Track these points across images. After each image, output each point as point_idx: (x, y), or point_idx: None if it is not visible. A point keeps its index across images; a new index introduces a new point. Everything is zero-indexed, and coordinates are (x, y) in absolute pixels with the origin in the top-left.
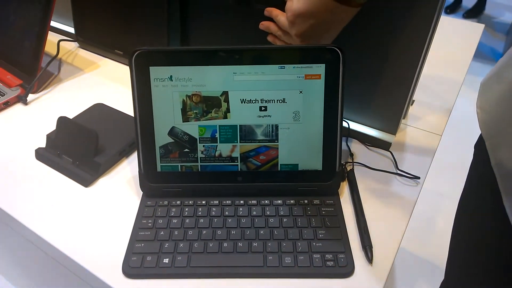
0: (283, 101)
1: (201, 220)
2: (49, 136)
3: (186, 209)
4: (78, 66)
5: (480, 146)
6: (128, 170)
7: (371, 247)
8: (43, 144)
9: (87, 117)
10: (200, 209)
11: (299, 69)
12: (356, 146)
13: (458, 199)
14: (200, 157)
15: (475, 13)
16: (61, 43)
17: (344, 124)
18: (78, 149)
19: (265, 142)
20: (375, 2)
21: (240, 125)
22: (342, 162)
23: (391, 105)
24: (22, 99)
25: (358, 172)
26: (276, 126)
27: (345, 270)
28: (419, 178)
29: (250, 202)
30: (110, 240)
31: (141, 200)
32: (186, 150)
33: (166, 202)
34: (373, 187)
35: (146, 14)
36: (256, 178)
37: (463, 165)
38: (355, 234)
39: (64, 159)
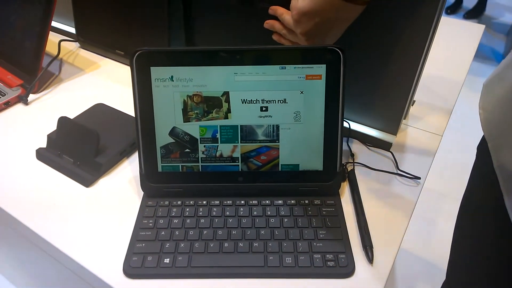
0: (284, 101)
1: (202, 220)
2: (50, 136)
3: (187, 209)
4: (79, 66)
5: (482, 148)
6: (129, 170)
7: (371, 247)
8: (44, 144)
9: (88, 117)
10: (201, 209)
11: (300, 69)
12: (356, 147)
13: (459, 199)
14: (201, 157)
15: (475, 14)
16: (62, 43)
17: (345, 124)
18: (79, 149)
19: (266, 143)
20: (376, 2)
21: (241, 126)
22: (342, 163)
23: (391, 105)
24: (22, 99)
25: (359, 172)
26: (277, 127)
27: (346, 270)
28: (419, 178)
29: (251, 202)
30: (111, 240)
31: (142, 200)
32: (187, 150)
33: (167, 202)
34: (373, 187)
35: (146, 14)
36: (257, 178)
37: (463, 165)
38: (356, 234)
39: (65, 159)
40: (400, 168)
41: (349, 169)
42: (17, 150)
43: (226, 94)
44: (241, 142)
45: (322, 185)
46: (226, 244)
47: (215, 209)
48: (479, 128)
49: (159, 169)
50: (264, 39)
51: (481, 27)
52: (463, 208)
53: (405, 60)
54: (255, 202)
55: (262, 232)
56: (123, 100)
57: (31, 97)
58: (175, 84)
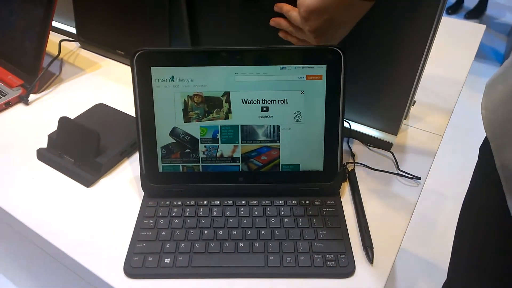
0: (285, 101)
1: (203, 220)
2: (50, 136)
3: (188, 209)
4: (79, 66)
5: (485, 149)
6: (129, 170)
7: (372, 247)
8: (44, 144)
9: (88, 118)
10: (201, 209)
11: (300, 69)
12: (357, 147)
13: (459, 200)
14: (202, 158)
15: (476, 14)
16: (62, 43)
17: (346, 124)
18: (80, 149)
19: (266, 143)
20: (377, 2)
21: (241, 126)
22: (343, 163)
23: (392, 105)
24: (23, 99)
25: (359, 173)
26: (278, 127)
27: (346, 270)
28: (420, 178)
29: (252, 202)
30: (112, 240)
31: (142, 200)
32: (188, 150)
33: (167, 202)
34: (374, 188)
35: (147, 14)
36: (257, 179)
37: (464, 165)
38: (356, 234)
39: (65, 159)
40: (400, 168)
41: (349, 169)
42: (17, 150)
43: (227, 94)
44: (241, 142)
45: (323, 185)
46: (226, 244)
47: (215, 209)
48: (480, 128)
49: (160, 169)
50: (270, 37)
51: (482, 27)
52: (465, 209)
53: (405, 60)
54: (255, 202)
55: (262, 232)
56: (124, 100)
57: (31, 97)
58: (176, 84)
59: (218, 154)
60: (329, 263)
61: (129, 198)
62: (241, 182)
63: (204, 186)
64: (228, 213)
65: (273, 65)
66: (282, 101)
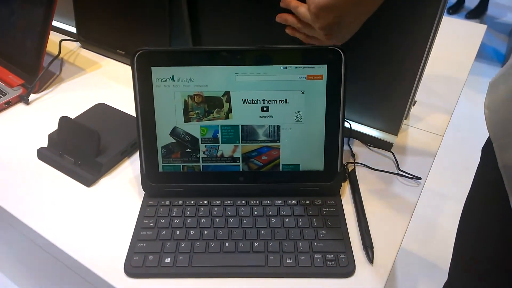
0: (285, 101)
1: (203, 220)
2: (51, 136)
3: (188, 209)
4: (80, 66)
5: (487, 149)
6: (130, 170)
7: (372, 247)
8: (45, 144)
9: (89, 117)
10: (201, 209)
11: (301, 69)
12: (357, 147)
13: (460, 200)
14: (202, 157)
15: (477, 14)
16: (62, 42)
17: (346, 124)
18: (80, 149)
19: (267, 143)
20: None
21: (242, 126)
22: (343, 163)
23: (393, 105)
24: (23, 98)
25: (360, 173)
26: (278, 127)
27: (346, 270)
28: (420, 178)
29: (252, 202)
30: (112, 239)
31: (143, 200)
32: (188, 150)
33: (168, 202)
34: (374, 188)
35: (147, 14)
36: (257, 179)
37: (464, 165)
38: (356, 234)
39: (66, 159)
40: (401, 168)
41: (350, 169)
42: (18, 149)
43: (227, 94)
44: (242, 142)
45: (323, 185)
46: (227, 244)
47: (216, 209)
48: (481, 128)
49: (160, 169)
50: (270, 37)
51: (483, 27)
52: (467, 209)
53: (406, 60)
54: (256, 202)
55: (262, 232)
56: (124, 100)
57: (32, 96)
58: (176, 84)
59: (219, 154)
60: (329, 263)
61: (130, 198)
62: (242, 182)
63: (204, 186)
64: (228, 213)
65: (273, 65)
66: (282, 101)
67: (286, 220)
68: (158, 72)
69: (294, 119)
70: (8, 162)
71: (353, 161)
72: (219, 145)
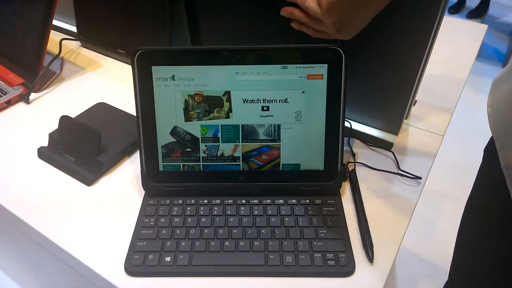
0: (285, 101)
1: (203, 219)
2: (51, 135)
3: (188, 208)
4: (80, 65)
5: (489, 149)
6: (130, 169)
7: (372, 246)
8: (45, 143)
9: (89, 116)
10: (202, 208)
11: (301, 69)
12: (358, 146)
13: (460, 200)
14: (202, 157)
15: (478, 14)
16: (63, 42)
17: (346, 124)
18: (81, 148)
19: (267, 142)
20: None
21: (242, 125)
22: (344, 162)
23: (393, 105)
24: (24, 98)
25: (360, 172)
26: (278, 126)
27: (346, 269)
28: (420, 178)
29: (252, 201)
30: (112, 238)
31: (143, 199)
32: (188, 149)
33: (168, 201)
34: (374, 187)
35: (147, 13)
36: (258, 178)
37: (465, 165)
38: (356, 234)
39: (66, 158)
40: (401, 168)
41: (350, 168)
42: (18, 149)
43: (228, 93)
44: (242, 142)
45: (323, 184)
46: (227, 243)
47: (216, 208)
48: (481, 128)
49: (160, 168)
50: (270, 37)
51: (484, 26)
52: (468, 209)
53: (407, 60)
54: (256, 201)
55: (262, 231)
56: (125, 99)
57: (32, 96)
58: (177, 83)
59: (219, 153)
60: (329, 262)
61: (130, 197)
62: (242, 181)
63: (204, 185)
64: (228, 212)
65: (274, 64)
66: (283, 101)
67: (286, 219)
68: (159, 72)
69: (295, 119)
70: (9, 161)
71: (353, 161)
72: (219, 145)
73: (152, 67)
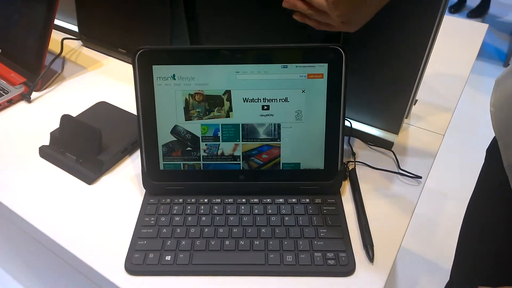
0: (286, 100)
1: (203, 218)
2: (52, 134)
3: (188, 207)
4: (81, 64)
5: (492, 150)
6: (131, 168)
7: (372, 246)
8: (47, 142)
9: (90, 115)
10: (202, 207)
11: (301, 68)
12: (358, 146)
13: (460, 199)
14: (203, 156)
15: (479, 13)
16: (64, 41)
17: (347, 123)
18: (82, 147)
19: (267, 141)
20: None
21: (242, 124)
22: (344, 161)
23: (393, 104)
24: (25, 97)
25: (360, 171)
26: (279, 125)
27: (346, 268)
28: (420, 177)
29: (252, 200)
30: (113, 237)
31: (143, 198)
32: (189, 148)
33: (168, 200)
34: (374, 186)
35: (149, 12)
36: (258, 177)
37: (465, 165)
38: (357, 233)
39: (67, 157)
40: (401, 167)
41: (350, 168)
42: (20, 147)
43: (228, 92)
44: (242, 141)
45: (323, 183)
46: (227, 242)
47: (216, 207)
48: (482, 128)
49: (161, 167)
50: (271, 36)
51: (485, 26)
52: (470, 210)
53: (407, 59)
54: (256, 200)
55: (263, 230)
56: (126, 98)
57: (34, 95)
58: (177, 82)
59: (219, 152)
60: (329, 261)
61: (131, 196)
62: (242, 180)
63: (205, 184)
64: (228, 211)
65: (274, 63)
66: (283, 100)
67: (286, 218)
68: (159, 71)
69: (295, 118)
70: (10, 160)
71: (353, 160)
72: (219, 144)
73: (153, 66)
